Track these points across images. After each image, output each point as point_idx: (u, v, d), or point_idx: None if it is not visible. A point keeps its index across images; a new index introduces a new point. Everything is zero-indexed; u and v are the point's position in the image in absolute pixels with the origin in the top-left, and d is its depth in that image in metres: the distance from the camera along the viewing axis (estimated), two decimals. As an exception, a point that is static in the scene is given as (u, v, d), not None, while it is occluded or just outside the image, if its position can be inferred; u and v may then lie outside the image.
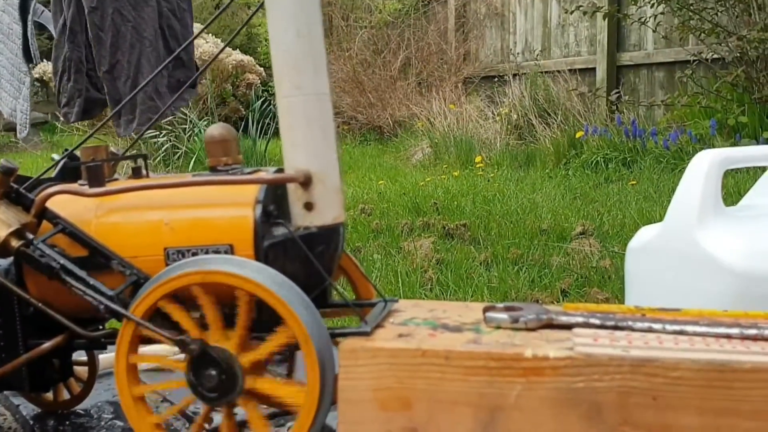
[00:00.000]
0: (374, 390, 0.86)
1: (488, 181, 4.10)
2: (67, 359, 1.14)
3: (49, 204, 0.95)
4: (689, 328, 0.86)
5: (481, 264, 2.59)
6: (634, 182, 3.72)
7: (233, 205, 0.92)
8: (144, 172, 1.03)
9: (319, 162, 0.93)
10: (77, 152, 1.05)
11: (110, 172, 1.04)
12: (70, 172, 1.05)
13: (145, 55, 1.98)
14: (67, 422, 1.16)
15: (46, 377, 1.11)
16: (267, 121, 5.12)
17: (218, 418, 1.09)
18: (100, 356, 1.24)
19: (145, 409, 0.91)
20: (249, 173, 0.96)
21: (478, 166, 4.50)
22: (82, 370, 1.20)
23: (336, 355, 0.89)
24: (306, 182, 0.92)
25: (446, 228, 3.00)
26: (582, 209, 3.26)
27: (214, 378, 0.87)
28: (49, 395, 1.19)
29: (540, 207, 3.35)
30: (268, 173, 0.94)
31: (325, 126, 0.93)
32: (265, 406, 0.96)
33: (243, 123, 5.47)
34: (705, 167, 1.19)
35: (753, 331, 0.84)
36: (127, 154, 1.12)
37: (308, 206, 0.93)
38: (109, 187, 0.96)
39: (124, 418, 1.16)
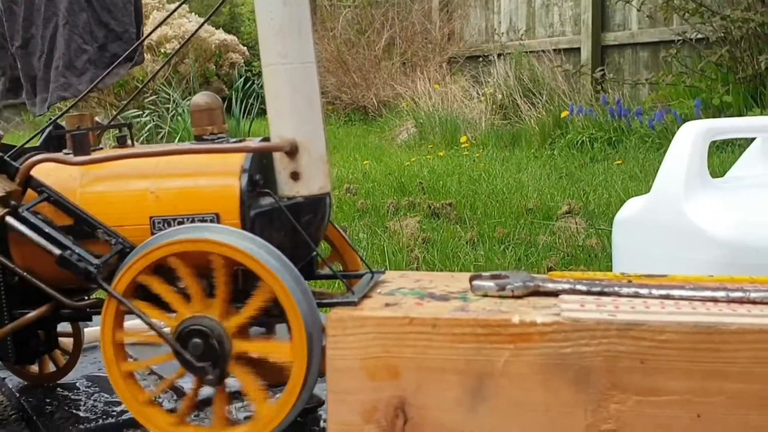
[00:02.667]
0: (362, 359, 0.86)
1: (474, 161, 4.10)
2: (53, 331, 1.13)
3: (33, 172, 0.94)
4: (675, 293, 0.87)
5: (467, 243, 2.60)
6: (619, 162, 3.73)
7: (219, 174, 0.92)
8: (129, 141, 1.02)
9: (305, 131, 0.92)
10: (62, 122, 1.04)
11: (95, 142, 1.02)
12: (54, 141, 1.04)
13: (59, 29, 1.90)
14: (53, 395, 1.16)
15: (32, 349, 1.10)
16: (251, 101, 5.09)
17: (208, 391, 1.09)
18: (86, 330, 1.24)
19: (135, 386, 0.91)
20: (235, 143, 0.95)
21: (463, 146, 4.49)
22: (67, 342, 1.19)
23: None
24: (292, 151, 0.92)
25: (432, 207, 3.00)
26: (568, 189, 3.26)
27: (200, 347, 0.86)
28: (35, 368, 1.19)
29: (526, 186, 3.36)
30: (253, 142, 0.94)
31: (311, 95, 0.92)
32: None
33: (226, 103, 5.43)
34: (691, 138, 1.20)
35: (739, 294, 0.85)
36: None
37: (294, 176, 0.93)
38: (95, 155, 0.95)
39: (109, 391, 1.15)
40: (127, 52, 1.83)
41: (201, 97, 0.96)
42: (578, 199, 3.02)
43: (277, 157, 0.93)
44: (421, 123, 4.86)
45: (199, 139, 0.96)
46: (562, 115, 4.36)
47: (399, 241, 2.63)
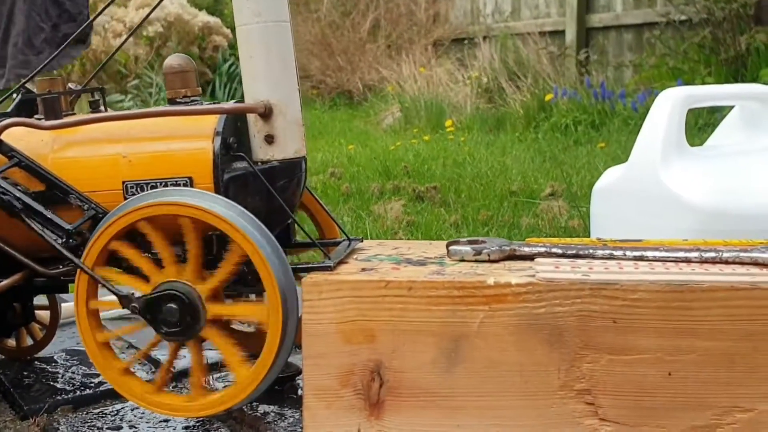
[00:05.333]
0: (338, 323, 0.86)
1: (459, 144, 4.09)
2: (29, 304, 1.12)
3: (4, 137, 0.92)
4: (649, 254, 0.87)
5: (451, 225, 2.59)
6: (602, 144, 3.74)
7: (192, 137, 0.91)
8: (102, 107, 1.01)
9: (280, 93, 0.91)
10: (34, 88, 1.02)
11: (67, 108, 1.01)
12: (27, 108, 1.02)
13: (17, 6, 1.88)
14: (31, 368, 1.15)
15: (8, 322, 1.09)
16: (234, 84, 5.04)
17: (183, 363, 1.09)
18: (63, 305, 1.23)
19: (111, 354, 0.90)
20: (209, 105, 0.94)
21: (448, 130, 4.48)
22: (44, 316, 1.18)
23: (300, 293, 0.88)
24: (266, 114, 0.91)
25: (417, 191, 3.00)
26: (551, 171, 3.27)
27: (175, 312, 0.86)
28: (11, 342, 1.18)
29: (510, 170, 3.36)
30: (227, 104, 0.93)
31: (285, 56, 0.91)
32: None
33: (210, 87, 5.39)
34: (668, 106, 1.20)
35: (712, 254, 0.85)
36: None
37: (269, 139, 0.92)
38: (66, 119, 0.94)
39: (87, 364, 1.15)
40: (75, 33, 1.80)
41: (174, 59, 0.95)
42: (561, 181, 3.03)
43: (252, 119, 0.92)
44: (406, 107, 4.84)
45: (172, 102, 0.95)
46: (547, 98, 4.36)
47: (383, 225, 2.62)
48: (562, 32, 5.15)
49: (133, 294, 0.87)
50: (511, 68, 4.73)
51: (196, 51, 5.47)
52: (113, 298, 1.29)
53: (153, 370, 1.13)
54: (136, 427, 0.95)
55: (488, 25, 5.59)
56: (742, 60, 3.87)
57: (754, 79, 3.78)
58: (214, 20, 5.70)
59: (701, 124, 3.65)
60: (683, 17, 4.16)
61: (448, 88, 4.78)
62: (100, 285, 0.90)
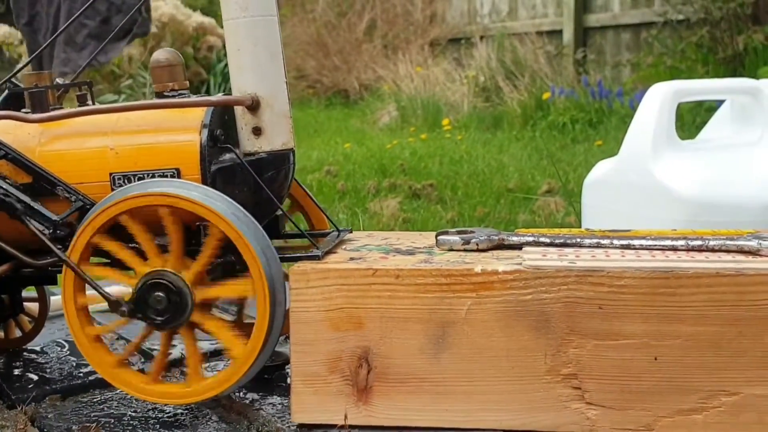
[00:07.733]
0: (326, 310, 0.86)
1: (456, 143, 4.10)
2: (17, 295, 1.12)
3: (-10, 130, 0.93)
4: (636, 243, 0.87)
5: (447, 222, 2.59)
6: (600, 142, 3.74)
7: (179, 130, 0.91)
8: (89, 101, 1.01)
9: (267, 86, 0.92)
10: (21, 82, 1.02)
11: (54, 102, 1.01)
12: (15, 102, 1.02)
13: (64, 6, 1.90)
14: (19, 359, 1.15)
15: (-4, 313, 1.09)
16: (229, 84, 5.01)
17: (175, 352, 1.09)
18: (52, 297, 1.23)
19: (103, 349, 0.90)
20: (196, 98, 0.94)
21: (445, 128, 4.49)
22: (32, 307, 1.18)
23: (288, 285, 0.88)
24: (254, 106, 0.91)
25: (413, 188, 3.00)
26: (548, 169, 3.27)
27: (162, 300, 0.86)
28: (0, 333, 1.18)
29: (507, 167, 3.36)
30: (214, 97, 0.93)
31: (273, 49, 0.92)
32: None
33: (205, 87, 5.37)
34: (659, 99, 1.20)
35: (698, 243, 0.85)
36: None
37: (256, 131, 0.92)
38: (53, 113, 0.94)
39: (76, 355, 1.15)
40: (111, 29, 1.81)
41: (162, 53, 0.96)
42: (558, 179, 3.03)
43: (239, 111, 0.92)
44: (402, 106, 4.84)
45: (160, 95, 0.95)
46: (544, 96, 4.36)
47: (379, 222, 2.62)
48: (560, 32, 5.15)
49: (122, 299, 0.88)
50: (509, 67, 4.73)
51: (190, 51, 5.44)
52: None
53: (143, 361, 1.13)
54: (124, 415, 0.95)
55: (485, 25, 5.59)
56: (740, 59, 3.88)
57: (752, 78, 3.79)
58: (208, 21, 5.68)
59: (698, 123, 3.66)
60: (681, 17, 4.16)
61: (445, 87, 4.78)
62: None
